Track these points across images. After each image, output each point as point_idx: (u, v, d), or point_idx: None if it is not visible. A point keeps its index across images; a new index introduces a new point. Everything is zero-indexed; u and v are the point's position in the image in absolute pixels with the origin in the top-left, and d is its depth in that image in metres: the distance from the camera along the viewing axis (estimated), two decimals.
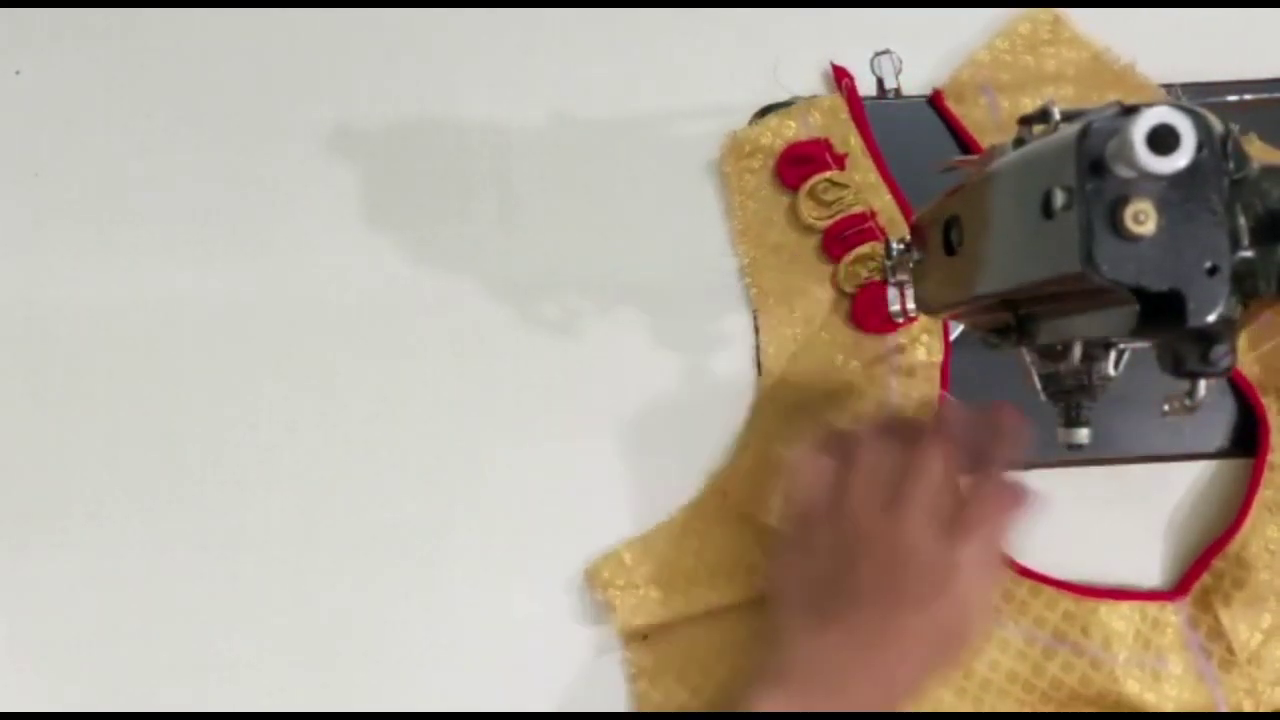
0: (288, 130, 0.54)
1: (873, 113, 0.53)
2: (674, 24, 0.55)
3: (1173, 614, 0.47)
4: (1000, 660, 0.47)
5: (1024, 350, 0.37)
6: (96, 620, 0.50)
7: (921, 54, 0.54)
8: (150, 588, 0.50)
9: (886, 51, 0.54)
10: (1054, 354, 0.35)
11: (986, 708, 0.47)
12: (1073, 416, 0.34)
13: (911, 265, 0.45)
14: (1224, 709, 0.46)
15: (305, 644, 0.50)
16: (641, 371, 0.51)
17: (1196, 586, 0.48)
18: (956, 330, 0.51)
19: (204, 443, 0.51)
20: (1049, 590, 0.47)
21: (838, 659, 0.39)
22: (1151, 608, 0.47)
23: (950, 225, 0.36)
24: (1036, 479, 0.50)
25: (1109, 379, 0.32)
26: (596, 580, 0.49)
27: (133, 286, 0.53)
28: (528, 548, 0.50)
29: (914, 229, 0.44)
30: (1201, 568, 0.48)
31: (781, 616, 0.42)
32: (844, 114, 0.53)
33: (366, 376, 0.52)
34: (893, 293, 0.49)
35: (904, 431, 0.42)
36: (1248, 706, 0.46)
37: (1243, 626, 0.46)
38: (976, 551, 0.39)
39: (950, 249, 0.36)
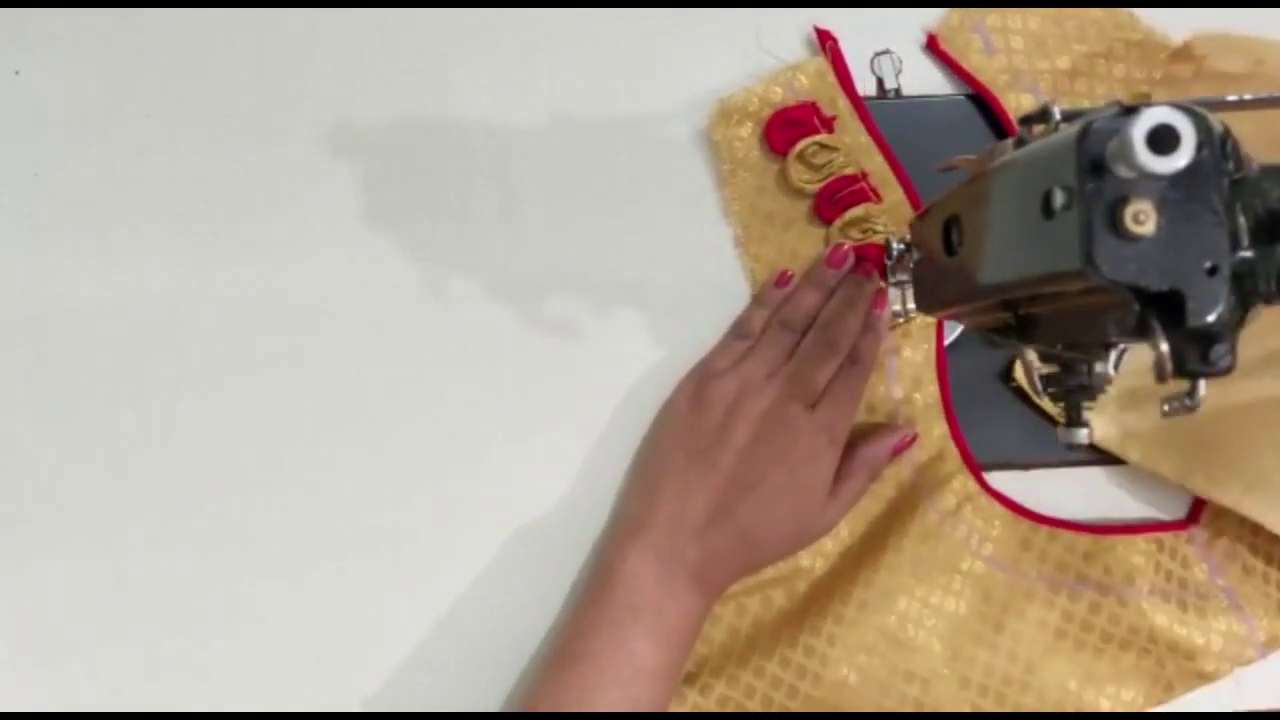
0: (288, 130, 0.54)
1: (875, 113, 0.53)
2: (675, 23, 0.55)
3: (1187, 541, 0.48)
4: (1027, 610, 0.47)
5: (1024, 350, 0.37)
6: (96, 620, 0.50)
7: (921, 53, 0.54)
8: (150, 588, 0.50)
9: (887, 51, 0.54)
10: (1054, 354, 0.35)
11: (1020, 662, 0.47)
12: (1073, 416, 0.34)
13: (911, 265, 0.45)
14: (1251, 624, 0.47)
15: (305, 643, 0.50)
16: (642, 369, 0.51)
17: (1207, 510, 0.48)
18: (955, 332, 0.51)
19: (204, 442, 0.51)
20: (1066, 534, 0.48)
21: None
22: (1167, 538, 0.48)
23: (950, 225, 0.36)
24: (1037, 479, 0.51)
25: (1109, 379, 0.32)
26: None
27: (133, 286, 0.53)
28: (528, 547, 0.50)
29: (914, 228, 0.44)
30: None
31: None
32: (830, 77, 0.52)
33: (366, 376, 0.52)
34: (893, 293, 0.49)
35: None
36: (1273, 607, 0.47)
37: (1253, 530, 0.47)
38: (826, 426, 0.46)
39: (950, 249, 0.36)
